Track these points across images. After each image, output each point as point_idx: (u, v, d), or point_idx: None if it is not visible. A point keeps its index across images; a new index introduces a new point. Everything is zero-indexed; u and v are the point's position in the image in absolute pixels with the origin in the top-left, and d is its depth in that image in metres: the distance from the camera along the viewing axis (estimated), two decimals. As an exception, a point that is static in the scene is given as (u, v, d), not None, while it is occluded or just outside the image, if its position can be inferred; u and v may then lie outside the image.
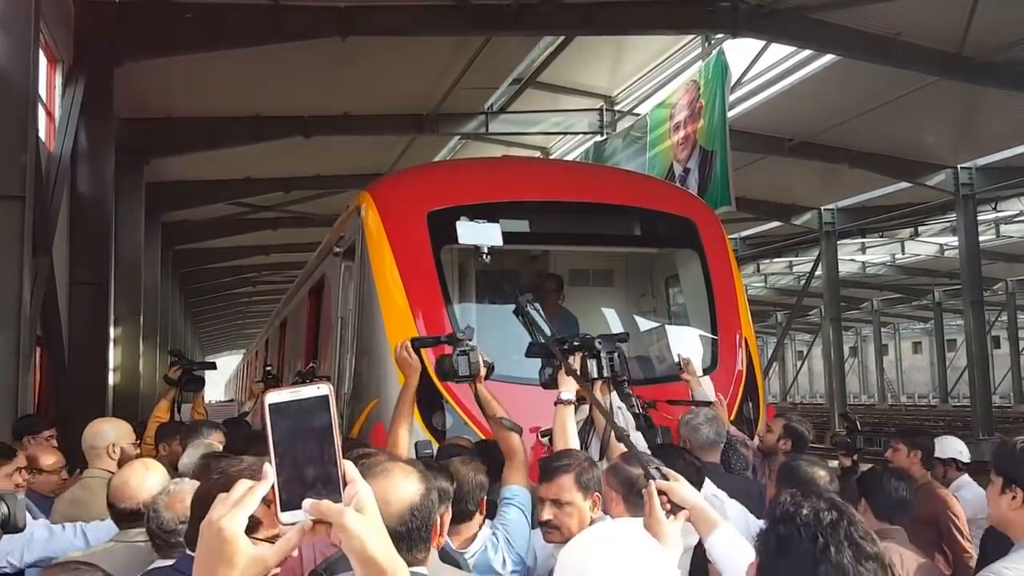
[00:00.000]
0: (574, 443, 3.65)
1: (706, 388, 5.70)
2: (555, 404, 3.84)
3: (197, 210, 21.86)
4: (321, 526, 1.29)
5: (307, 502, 1.28)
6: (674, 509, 2.56)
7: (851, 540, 1.71)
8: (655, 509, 2.54)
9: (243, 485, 1.31)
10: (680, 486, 2.60)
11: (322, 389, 1.32)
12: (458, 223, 4.29)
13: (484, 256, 4.46)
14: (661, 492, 2.58)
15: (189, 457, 4.49)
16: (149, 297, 18.03)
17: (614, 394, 4.72)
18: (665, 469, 2.72)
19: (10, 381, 7.93)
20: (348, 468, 1.33)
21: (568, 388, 3.93)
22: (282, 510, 1.29)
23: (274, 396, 1.32)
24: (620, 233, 7.31)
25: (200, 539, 1.31)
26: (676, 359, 5.84)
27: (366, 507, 1.31)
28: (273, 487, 1.29)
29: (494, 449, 4.23)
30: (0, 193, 8.12)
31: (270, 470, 1.30)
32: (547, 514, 3.29)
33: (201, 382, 7.32)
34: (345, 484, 1.32)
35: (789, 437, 5.11)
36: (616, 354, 4.63)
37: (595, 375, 4.10)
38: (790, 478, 3.74)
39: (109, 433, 4.82)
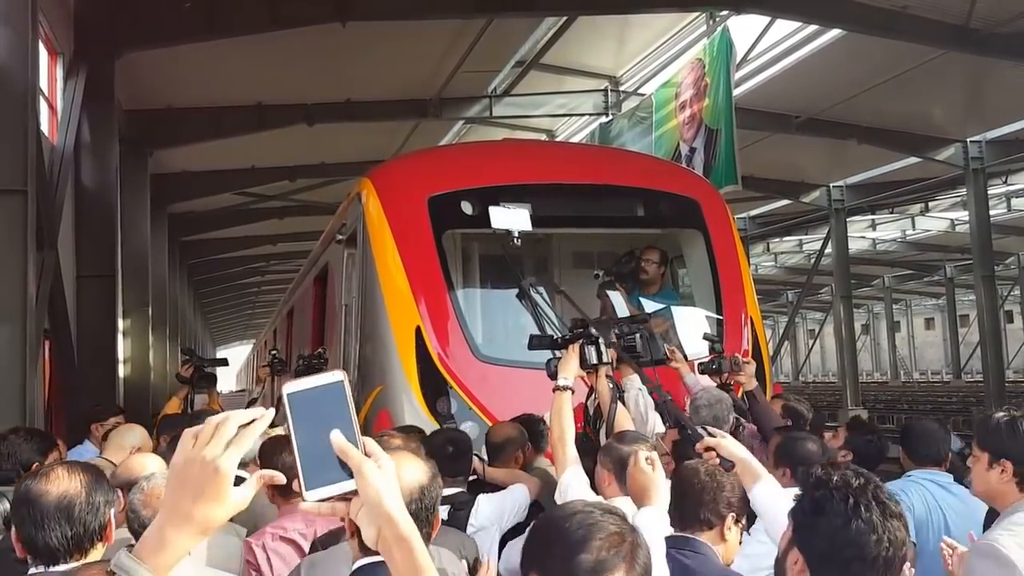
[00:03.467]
0: (569, 431, 3.59)
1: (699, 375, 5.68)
2: (553, 391, 3.73)
3: (203, 201, 21.82)
4: (339, 503, 1.35)
5: (335, 433, 1.34)
6: (723, 463, 2.79)
7: (878, 500, 1.93)
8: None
9: (232, 422, 1.29)
10: (727, 441, 2.86)
11: (336, 375, 1.40)
12: (490, 209, 4.30)
13: (515, 240, 4.44)
14: (709, 448, 2.81)
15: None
16: (157, 289, 18.07)
17: (635, 376, 4.71)
18: (712, 428, 3.03)
19: (18, 375, 7.93)
20: (369, 443, 1.38)
21: (566, 374, 3.85)
22: (307, 489, 1.36)
23: (291, 386, 1.39)
24: (623, 214, 7.25)
25: (179, 475, 1.27)
26: (663, 350, 5.83)
27: (387, 469, 1.37)
28: (298, 467, 1.35)
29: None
30: (2, 187, 8.08)
31: (295, 457, 1.35)
32: None
33: (213, 379, 7.37)
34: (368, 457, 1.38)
35: (788, 416, 5.13)
36: (638, 335, 4.63)
37: (593, 361, 4.04)
38: (785, 453, 3.80)
39: (136, 438, 4.86)
